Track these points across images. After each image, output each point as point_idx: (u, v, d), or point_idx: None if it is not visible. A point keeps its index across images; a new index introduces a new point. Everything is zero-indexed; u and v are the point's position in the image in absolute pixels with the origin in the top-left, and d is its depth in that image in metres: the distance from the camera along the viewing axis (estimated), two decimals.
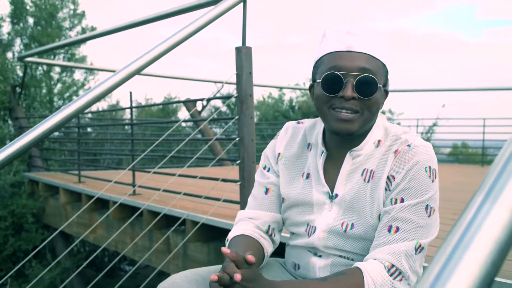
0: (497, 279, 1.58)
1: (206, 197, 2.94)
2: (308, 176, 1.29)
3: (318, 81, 1.18)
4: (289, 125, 1.38)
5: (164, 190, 3.16)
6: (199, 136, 7.29)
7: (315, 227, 1.24)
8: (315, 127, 1.33)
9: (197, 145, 8.42)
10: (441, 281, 0.45)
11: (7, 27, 7.86)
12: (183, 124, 9.43)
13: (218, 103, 11.62)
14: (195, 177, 3.02)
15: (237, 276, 1.01)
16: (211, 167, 4.78)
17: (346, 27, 1.19)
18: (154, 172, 3.41)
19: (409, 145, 1.16)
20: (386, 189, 1.16)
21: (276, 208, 1.35)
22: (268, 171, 1.37)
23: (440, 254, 0.48)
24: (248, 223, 1.33)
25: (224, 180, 2.85)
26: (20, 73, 7.48)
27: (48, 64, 7.86)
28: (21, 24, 7.96)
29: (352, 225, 1.19)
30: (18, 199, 5.49)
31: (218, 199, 2.86)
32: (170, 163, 7.66)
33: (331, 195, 1.24)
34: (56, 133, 7.24)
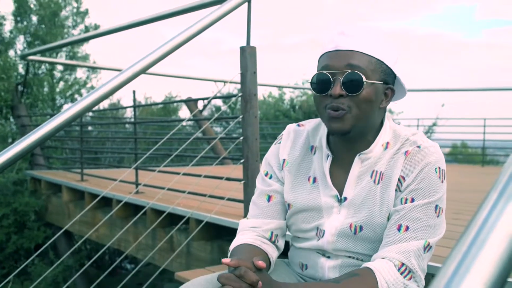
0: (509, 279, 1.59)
1: (210, 196, 2.95)
2: (314, 180, 1.28)
3: (310, 82, 1.21)
4: (291, 128, 1.37)
5: (168, 189, 3.18)
6: (200, 135, 7.30)
7: (324, 231, 1.24)
8: (318, 129, 1.33)
9: (197, 144, 8.42)
10: (457, 278, 0.46)
11: (10, 25, 7.88)
12: (184, 123, 9.44)
13: (218, 102, 11.63)
14: (200, 175, 3.03)
15: (260, 284, 1.02)
16: (214, 166, 4.78)
17: (341, 28, 1.20)
18: (159, 171, 3.42)
19: (419, 146, 1.17)
20: (397, 190, 1.17)
21: (280, 215, 1.33)
22: (270, 178, 1.35)
23: (456, 252, 0.49)
24: (250, 232, 1.31)
25: (228, 179, 2.86)
26: (22, 72, 7.49)
27: (50, 63, 7.86)
28: (25, 22, 7.96)
29: (361, 227, 1.20)
30: (20, 197, 5.50)
31: (222, 198, 2.87)
32: (171, 162, 7.67)
33: (339, 198, 1.24)
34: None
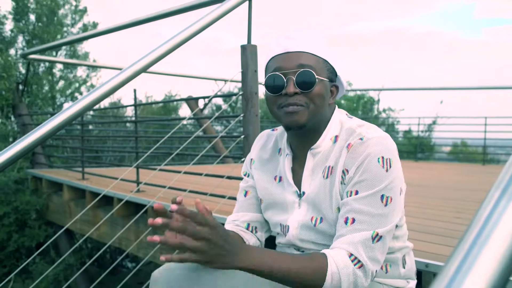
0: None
1: (212, 195, 2.95)
2: (280, 179, 1.36)
3: (263, 84, 1.27)
4: (264, 132, 1.49)
5: (170, 187, 3.18)
6: (201, 134, 7.30)
7: (288, 226, 1.32)
8: (284, 132, 1.40)
9: (198, 142, 8.43)
10: (459, 277, 0.46)
11: (10, 24, 7.86)
12: (184, 122, 9.45)
13: (219, 100, 11.63)
14: (201, 174, 3.03)
15: (173, 206, 1.03)
16: (215, 164, 4.79)
17: (285, 33, 1.28)
18: (160, 170, 3.42)
19: (361, 138, 1.20)
20: (341, 183, 1.21)
21: (255, 209, 1.44)
22: (247, 176, 1.47)
23: (458, 250, 0.49)
24: (230, 224, 1.43)
25: (229, 178, 2.87)
26: (23, 70, 7.49)
27: (51, 61, 7.86)
28: (23, 21, 7.95)
29: (321, 219, 1.25)
30: (21, 195, 5.51)
31: (223, 196, 2.87)
32: (172, 161, 7.67)
33: (299, 193, 1.31)
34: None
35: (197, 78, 7.34)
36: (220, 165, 6.32)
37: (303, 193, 1.29)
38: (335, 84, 1.30)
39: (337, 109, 1.33)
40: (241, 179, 2.73)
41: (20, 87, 6.71)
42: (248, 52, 2.64)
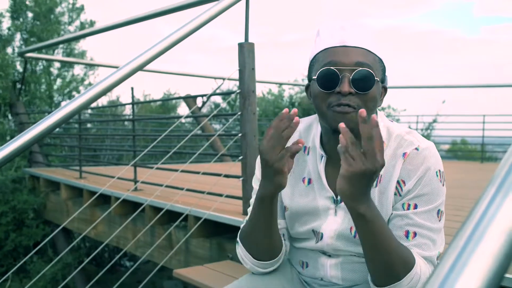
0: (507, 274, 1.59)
1: (209, 193, 2.94)
2: (309, 181, 1.25)
3: (314, 78, 1.15)
4: None
5: (167, 186, 3.17)
6: (199, 132, 7.29)
7: (322, 234, 1.22)
8: (310, 129, 1.29)
9: (196, 141, 8.42)
10: (454, 273, 0.46)
11: (7, 22, 7.84)
12: (183, 120, 9.44)
13: (217, 99, 11.62)
14: (198, 172, 3.03)
15: (294, 110, 1.02)
16: (212, 163, 4.78)
17: (339, 23, 1.16)
18: (157, 168, 3.41)
19: (417, 148, 1.15)
20: (396, 194, 1.15)
21: (282, 214, 1.30)
22: None
23: (453, 247, 0.49)
24: None
25: (226, 176, 2.86)
26: (20, 69, 7.47)
27: (48, 60, 7.84)
28: (21, 19, 7.92)
29: None
30: (19, 194, 5.50)
31: (220, 195, 2.87)
32: (170, 159, 7.65)
33: (335, 199, 1.21)
34: (57, 129, 7.22)
35: (195, 76, 7.33)
36: (217, 164, 6.31)
37: (341, 200, 1.17)
38: (384, 86, 1.21)
39: (379, 112, 1.23)
40: (238, 177, 2.73)
41: (18, 85, 6.69)
42: (245, 50, 2.63)
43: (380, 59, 1.17)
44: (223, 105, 10.35)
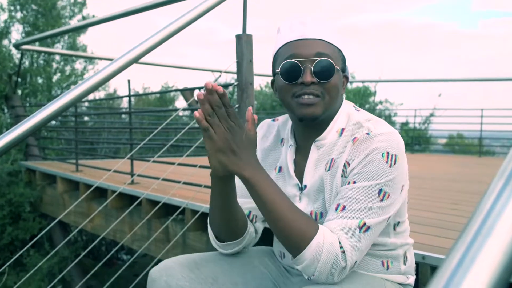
0: None
1: (206, 186, 2.93)
2: (280, 169, 1.32)
3: (277, 71, 1.20)
4: (265, 122, 1.43)
5: (163, 179, 3.15)
6: (197, 125, 7.27)
7: None
8: (287, 122, 1.36)
9: (194, 134, 8.39)
10: (461, 270, 0.44)
11: (4, 15, 7.76)
12: (180, 113, 9.41)
13: None
14: (195, 166, 3.01)
15: (219, 88, 1.10)
16: None
17: (298, 19, 1.22)
18: (153, 161, 3.39)
19: (368, 133, 1.15)
20: (342, 176, 1.17)
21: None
22: None
23: (460, 242, 0.47)
24: None
25: None
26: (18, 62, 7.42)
27: (45, 52, 7.79)
28: (24, 12, 7.86)
29: (321, 213, 1.21)
30: (15, 188, 5.47)
31: None
32: (168, 152, 7.63)
33: (300, 186, 1.26)
34: (53, 122, 7.18)
35: (193, 69, 7.30)
36: None
37: (305, 186, 1.25)
38: (345, 75, 1.26)
39: (345, 101, 1.28)
40: None
41: (14, 78, 6.64)
42: (243, 42, 2.60)
43: (339, 50, 1.22)
44: None
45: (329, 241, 1.08)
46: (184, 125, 8.17)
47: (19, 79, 6.86)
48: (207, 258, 1.33)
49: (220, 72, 6.18)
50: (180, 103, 11.05)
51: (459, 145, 11.19)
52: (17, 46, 5.68)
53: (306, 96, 1.17)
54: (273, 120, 1.42)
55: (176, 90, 6.81)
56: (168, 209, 3.24)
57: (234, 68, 2.66)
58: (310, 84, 1.16)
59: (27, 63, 7.71)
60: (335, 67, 1.17)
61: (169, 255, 3.22)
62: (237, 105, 2.65)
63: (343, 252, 1.08)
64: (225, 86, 3.60)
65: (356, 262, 1.10)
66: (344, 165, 1.16)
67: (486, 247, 0.46)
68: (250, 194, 1.14)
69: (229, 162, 1.10)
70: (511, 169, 0.53)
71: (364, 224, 1.10)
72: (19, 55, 6.95)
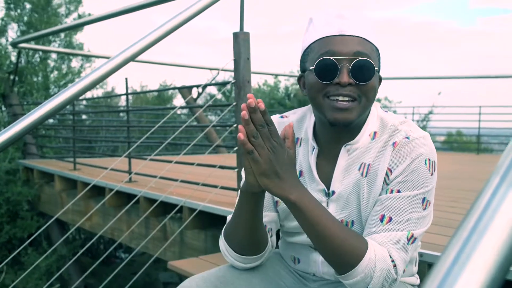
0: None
1: (203, 184, 2.92)
2: (300, 174, 1.21)
3: (311, 68, 1.10)
4: (274, 120, 1.26)
5: (161, 177, 3.15)
6: (195, 123, 7.26)
7: None
8: (303, 120, 1.25)
9: (192, 132, 8.39)
10: (457, 266, 0.44)
11: (3, 13, 7.73)
12: (178, 112, 9.39)
13: (213, 90, 11.57)
14: (192, 164, 3.00)
15: (261, 105, 1.02)
16: (207, 154, 4.76)
17: (335, 11, 1.12)
18: (151, 159, 3.38)
19: (407, 137, 1.10)
20: (384, 183, 1.11)
21: (271, 208, 1.25)
22: None
23: (456, 239, 0.47)
24: None
25: (221, 167, 2.84)
26: (15, 60, 7.40)
27: (41, 50, 7.76)
28: (18, 10, 7.82)
29: (352, 222, 1.15)
30: (13, 186, 5.46)
31: (215, 186, 2.84)
32: (166, 151, 7.63)
33: (327, 192, 1.17)
34: (51, 120, 7.18)
35: (191, 67, 7.29)
36: (212, 155, 6.29)
37: (333, 192, 1.16)
38: (380, 75, 1.17)
39: (374, 102, 1.19)
40: (233, 168, 2.71)
41: (11, 76, 6.62)
42: (240, 40, 2.60)
43: (377, 49, 1.13)
44: (219, 96, 10.30)
45: (381, 255, 1.04)
46: (182, 123, 8.16)
47: (16, 78, 6.84)
48: (223, 276, 1.23)
49: (218, 69, 6.17)
50: (178, 101, 11.04)
51: (457, 143, 11.20)
52: (14, 44, 5.66)
53: (341, 98, 1.07)
54: (281, 117, 1.29)
55: (174, 88, 6.80)
56: (166, 207, 3.23)
57: (231, 66, 2.65)
58: (347, 85, 1.06)
59: (23, 61, 7.68)
60: (375, 68, 1.08)
61: (167, 253, 3.23)
62: (234, 103, 2.65)
63: (395, 266, 1.05)
64: (223, 84, 3.61)
65: (404, 272, 1.09)
66: (386, 173, 1.10)
67: (482, 243, 0.45)
68: (295, 216, 1.06)
69: (273, 185, 1.01)
70: (507, 165, 0.53)
71: (412, 235, 1.07)
72: (15, 54, 6.93)
